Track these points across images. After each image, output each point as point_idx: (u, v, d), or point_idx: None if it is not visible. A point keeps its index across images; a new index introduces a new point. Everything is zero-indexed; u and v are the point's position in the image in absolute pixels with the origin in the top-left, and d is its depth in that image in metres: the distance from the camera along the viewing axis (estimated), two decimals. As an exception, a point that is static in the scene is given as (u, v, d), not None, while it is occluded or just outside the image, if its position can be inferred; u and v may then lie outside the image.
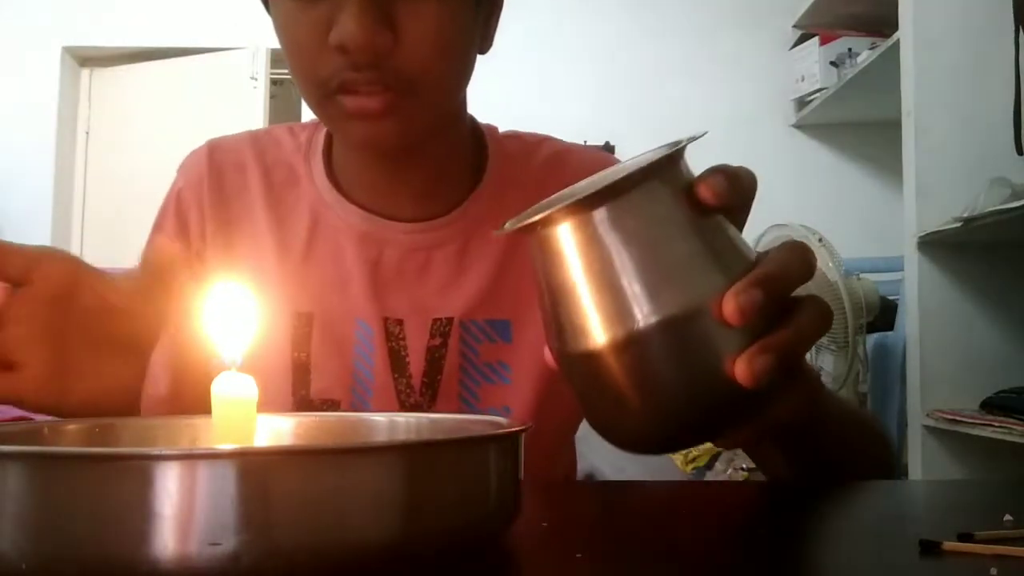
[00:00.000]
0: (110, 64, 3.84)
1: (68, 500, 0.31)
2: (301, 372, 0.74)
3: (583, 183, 0.49)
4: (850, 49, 2.92)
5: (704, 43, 3.52)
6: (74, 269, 0.56)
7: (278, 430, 0.49)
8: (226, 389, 0.40)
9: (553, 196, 0.48)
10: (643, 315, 0.40)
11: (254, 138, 0.83)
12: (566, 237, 0.41)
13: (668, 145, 0.43)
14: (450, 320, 0.74)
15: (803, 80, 3.23)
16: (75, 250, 3.89)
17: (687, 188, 0.42)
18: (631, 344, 0.40)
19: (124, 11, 3.67)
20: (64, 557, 0.31)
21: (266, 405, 0.70)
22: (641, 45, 3.54)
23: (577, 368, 0.43)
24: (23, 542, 0.31)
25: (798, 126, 3.47)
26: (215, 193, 0.79)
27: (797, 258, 0.43)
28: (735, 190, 0.42)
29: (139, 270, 0.57)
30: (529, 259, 0.44)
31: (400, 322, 0.75)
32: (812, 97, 3.20)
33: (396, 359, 0.74)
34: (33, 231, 3.56)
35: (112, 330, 0.57)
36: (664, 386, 0.41)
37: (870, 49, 2.71)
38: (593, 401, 0.44)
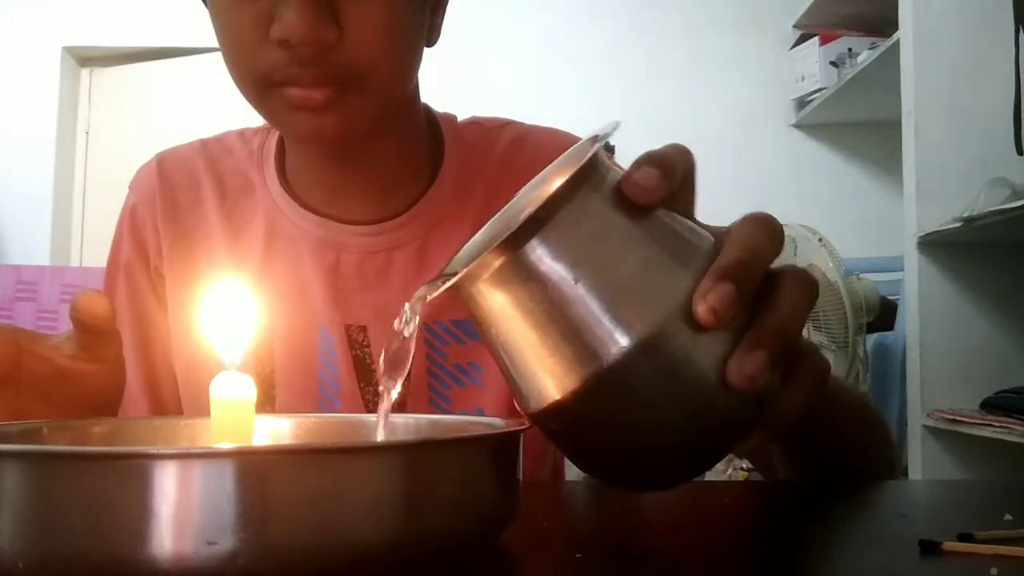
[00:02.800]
0: (110, 64, 3.84)
1: (65, 499, 0.31)
2: (265, 387, 0.72)
3: (508, 211, 0.43)
4: (850, 49, 2.92)
5: (704, 43, 3.52)
6: (11, 341, 0.50)
7: (276, 430, 0.49)
8: (224, 390, 0.40)
9: (476, 236, 0.43)
10: (608, 348, 0.35)
11: (205, 147, 0.81)
12: (498, 286, 0.36)
13: (585, 142, 0.38)
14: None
15: (803, 80, 3.23)
16: (75, 250, 3.88)
17: (617, 190, 0.37)
18: (603, 384, 0.35)
19: (124, 11, 3.67)
20: (61, 556, 0.31)
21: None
22: (641, 45, 3.53)
23: (554, 425, 0.37)
24: (20, 541, 0.31)
25: (798, 126, 3.47)
26: (168, 208, 0.77)
27: (763, 232, 0.39)
28: (667, 176, 0.37)
29: (74, 328, 0.51)
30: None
31: (363, 328, 0.73)
32: (812, 97, 3.20)
33: (361, 367, 0.72)
34: (33, 231, 3.56)
35: (73, 392, 0.53)
36: (654, 418, 0.36)
37: (870, 49, 2.70)
38: (586, 456, 0.39)
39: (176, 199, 0.78)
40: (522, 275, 0.35)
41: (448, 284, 0.37)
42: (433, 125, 0.80)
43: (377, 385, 0.70)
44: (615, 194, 0.36)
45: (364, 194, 0.74)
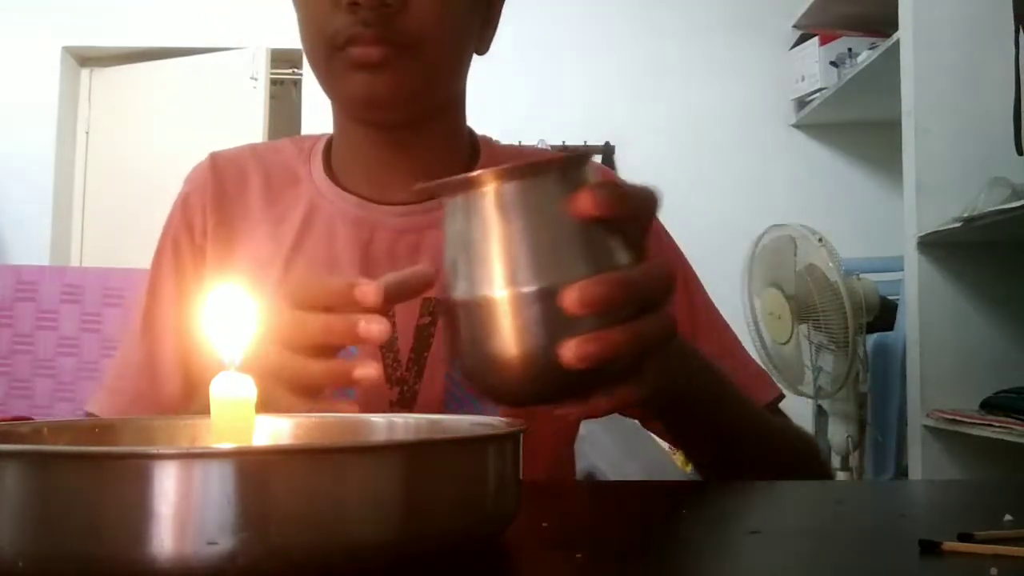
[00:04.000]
0: (110, 64, 3.84)
1: (66, 499, 0.31)
2: None
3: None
4: (850, 49, 2.92)
5: (704, 43, 3.52)
6: None
7: (276, 430, 0.49)
8: (225, 389, 0.40)
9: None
10: (519, 282, 0.45)
11: (254, 148, 0.89)
12: (473, 200, 0.47)
13: (578, 156, 0.49)
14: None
15: (803, 80, 3.23)
16: (75, 250, 3.89)
17: (576, 192, 0.47)
18: (506, 303, 0.46)
19: (124, 11, 3.67)
20: (61, 556, 0.31)
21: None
22: (641, 45, 3.53)
23: (461, 313, 0.48)
24: (20, 540, 0.31)
25: (798, 126, 3.47)
26: (218, 195, 0.83)
27: (658, 274, 0.49)
28: (614, 204, 0.46)
29: None
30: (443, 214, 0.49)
31: None
32: (812, 97, 3.20)
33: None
34: (33, 231, 3.56)
35: None
36: (523, 348, 0.46)
37: (870, 49, 2.71)
38: (467, 348, 0.48)
39: (225, 188, 0.84)
40: (490, 201, 0.46)
41: (457, 178, 0.47)
42: (472, 136, 0.88)
43: (397, 353, 0.76)
44: (575, 194, 0.46)
45: (402, 178, 0.79)
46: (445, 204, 0.49)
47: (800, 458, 0.77)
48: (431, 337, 0.76)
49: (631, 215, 0.48)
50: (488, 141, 0.89)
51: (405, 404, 0.76)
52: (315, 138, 0.88)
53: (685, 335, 0.78)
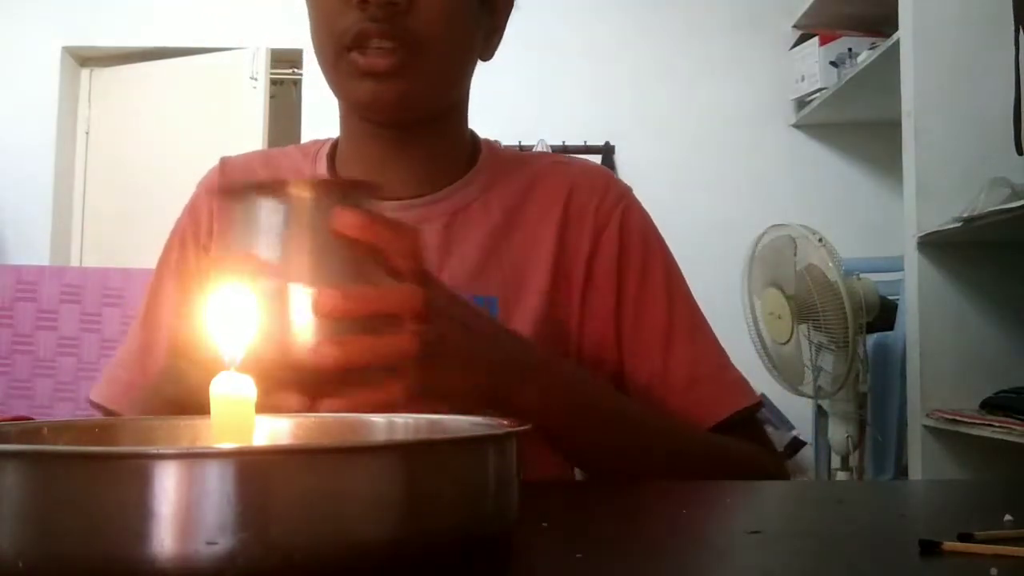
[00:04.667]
0: (110, 64, 3.83)
1: (65, 499, 0.31)
2: None
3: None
4: (850, 49, 2.92)
5: (705, 43, 3.52)
6: None
7: (276, 430, 0.49)
8: (225, 389, 0.40)
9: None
10: (291, 279, 0.52)
11: (265, 153, 0.95)
12: (266, 206, 0.53)
13: (359, 182, 0.59)
14: None
15: (803, 80, 3.23)
16: (75, 250, 3.88)
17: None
18: (270, 297, 0.51)
19: (124, 11, 3.67)
20: (61, 556, 0.31)
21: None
22: (641, 45, 3.53)
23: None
24: (20, 540, 0.31)
25: (798, 126, 3.47)
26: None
27: (403, 298, 0.54)
28: (366, 229, 0.53)
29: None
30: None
31: None
32: (812, 97, 3.20)
33: None
34: (33, 231, 3.56)
35: None
36: (283, 338, 0.51)
37: (870, 49, 2.70)
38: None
39: None
40: (274, 209, 0.53)
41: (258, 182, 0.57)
42: (474, 138, 0.90)
43: None
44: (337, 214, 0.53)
45: (404, 174, 0.82)
46: (246, 201, 0.55)
47: (733, 471, 0.76)
48: None
49: (387, 242, 0.54)
50: (489, 143, 0.90)
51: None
52: (320, 143, 0.90)
53: (633, 337, 0.83)
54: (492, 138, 0.92)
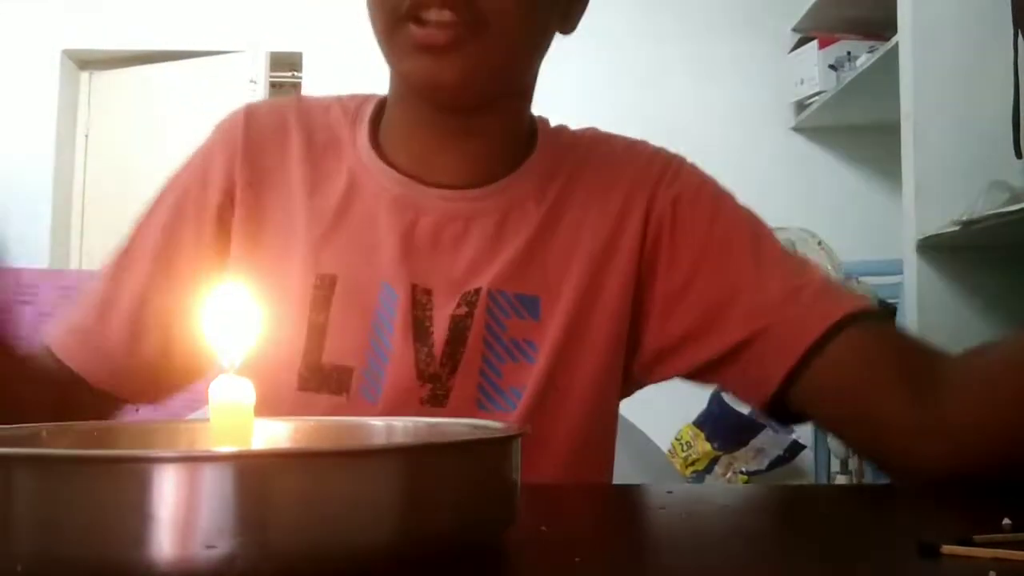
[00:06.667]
0: (110, 67, 3.84)
1: (64, 503, 0.31)
2: (316, 336, 0.72)
3: None
4: (849, 52, 2.92)
5: (704, 46, 3.52)
6: None
7: (275, 434, 0.49)
8: (223, 393, 0.40)
9: None
10: None
11: (300, 101, 0.82)
12: None
13: None
14: (478, 291, 0.72)
15: (802, 83, 3.23)
16: (74, 252, 3.88)
17: None
18: None
19: (124, 14, 3.67)
20: (59, 559, 0.31)
21: (274, 372, 0.70)
22: (641, 47, 3.53)
23: None
24: (19, 544, 0.31)
25: (797, 129, 3.47)
26: (249, 153, 0.77)
27: None
28: None
29: None
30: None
31: (428, 292, 0.72)
32: (811, 100, 3.20)
33: (419, 328, 0.72)
34: (33, 233, 3.56)
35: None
36: None
37: (869, 52, 2.71)
38: None
39: (261, 143, 0.78)
40: None
41: None
42: (532, 124, 0.81)
43: (432, 347, 0.71)
44: None
45: (455, 161, 0.75)
46: None
47: None
48: (467, 330, 0.71)
49: None
50: (546, 124, 0.82)
51: (437, 402, 0.71)
52: (362, 99, 0.81)
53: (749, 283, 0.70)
54: (552, 121, 0.84)
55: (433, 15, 0.65)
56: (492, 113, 0.75)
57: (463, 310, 0.72)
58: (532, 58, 0.74)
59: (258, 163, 0.77)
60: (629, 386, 0.79)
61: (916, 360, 0.69)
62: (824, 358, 0.67)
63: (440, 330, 0.71)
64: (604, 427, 0.78)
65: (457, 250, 0.73)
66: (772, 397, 0.69)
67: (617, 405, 0.79)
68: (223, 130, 0.79)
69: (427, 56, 0.66)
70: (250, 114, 0.79)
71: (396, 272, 0.72)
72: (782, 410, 0.71)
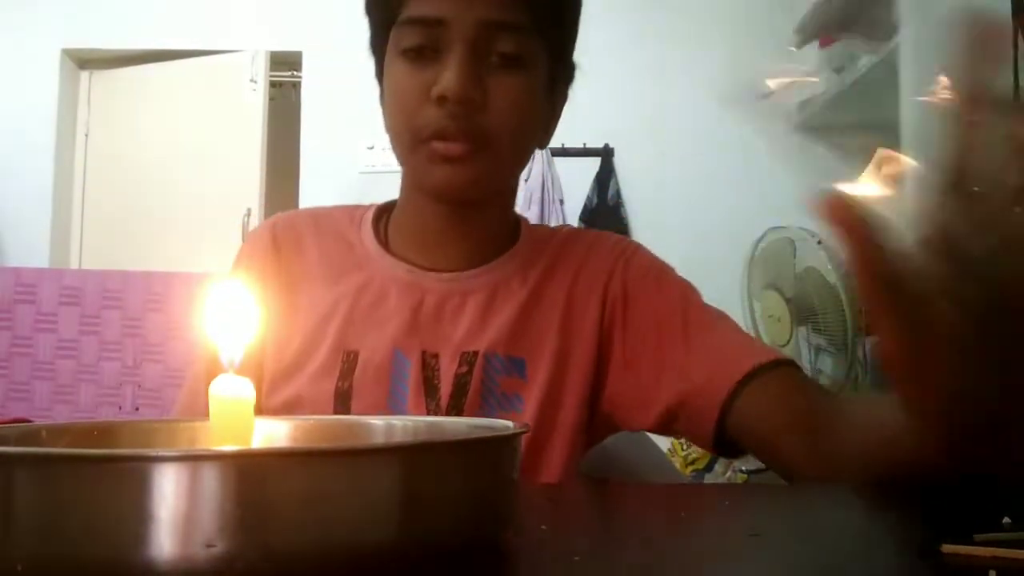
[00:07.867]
0: (109, 66, 3.84)
1: (63, 501, 0.31)
2: (342, 399, 0.84)
3: None
4: (850, 53, 2.92)
5: (705, 46, 3.52)
6: None
7: (274, 433, 0.49)
8: (224, 391, 0.40)
9: None
10: None
11: (313, 211, 0.99)
12: None
13: None
14: (476, 353, 0.85)
15: (803, 84, 3.22)
16: (74, 252, 3.90)
17: None
18: None
19: (123, 13, 3.67)
20: (59, 558, 0.31)
21: None
22: (641, 47, 3.53)
23: None
24: (19, 543, 0.31)
25: (797, 129, 3.46)
26: (276, 257, 0.92)
27: None
28: None
29: None
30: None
31: (436, 355, 0.86)
32: (811, 100, 3.20)
33: (429, 386, 0.85)
34: (33, 233, 3.56)
35: None
36: None
37: (870, 53, 2.70)
38: None
39: (283, 251, 0.92)
40: None
41: None
42: (515, 217, 0.97)
43: (439, 400, 0.85)
44: None
45: (457, 248, 0.90)
46: None
47: None
48: (467, 385, 0.84)
49: None
50: (527, 222, 0.97)
51: None
52: (364, 208, 0.96)
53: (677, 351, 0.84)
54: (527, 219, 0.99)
55: (450, 137, 0.80)
56: (486, 207, 0.90)
57: (464, 368, 0.85)
58: (521, 166, 0.91)
59: (285, 266, 0.92)
60: (611, 431, 0.91)
61: (807, 404, 0.78)
62: (733, 414, 0.78)
63: (446, 385, 0.85)
64: (575, 468, 0.88)
65: (457, 320, 0.87)
66: (715, 446, 0.81)
67: (585, 452, 0.89)
68: (253, 243, 0.94)
69: (446, 165, 0.81)
70: (274, 229, 0.94)
71: (408, 342, 0.86)
72: (735, 449, 0.81)
